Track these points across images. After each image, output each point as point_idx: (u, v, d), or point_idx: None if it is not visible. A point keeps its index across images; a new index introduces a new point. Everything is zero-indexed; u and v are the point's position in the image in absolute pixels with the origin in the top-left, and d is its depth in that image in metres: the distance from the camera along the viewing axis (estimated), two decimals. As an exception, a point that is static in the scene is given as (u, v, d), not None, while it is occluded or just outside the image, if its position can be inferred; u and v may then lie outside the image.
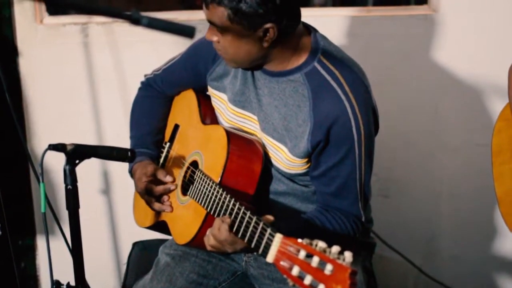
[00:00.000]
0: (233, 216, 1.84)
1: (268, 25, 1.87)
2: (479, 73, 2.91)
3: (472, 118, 2.97)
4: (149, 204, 2.19)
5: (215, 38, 1.94)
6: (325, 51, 1.99)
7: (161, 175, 2.18)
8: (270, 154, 2.05)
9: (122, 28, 2.87)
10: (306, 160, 2.00)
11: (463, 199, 3.06)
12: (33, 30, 2.89)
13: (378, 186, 2.97)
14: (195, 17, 2.82)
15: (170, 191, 2.17)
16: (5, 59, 2.87)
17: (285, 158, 2.01)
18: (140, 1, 4.29)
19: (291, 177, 2.06)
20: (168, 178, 2.17)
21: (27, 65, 2.92)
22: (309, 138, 1.95)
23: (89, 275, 1.98)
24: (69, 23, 2.90)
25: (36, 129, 2.97)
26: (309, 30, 2.03)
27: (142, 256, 2.52)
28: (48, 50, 2.90)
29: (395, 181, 3.05)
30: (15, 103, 2.74)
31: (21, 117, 2.92)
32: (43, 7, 2.89)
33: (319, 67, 1.97)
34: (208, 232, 1.90)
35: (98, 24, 2.88)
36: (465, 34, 2.90)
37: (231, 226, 1.82)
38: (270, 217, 1.79)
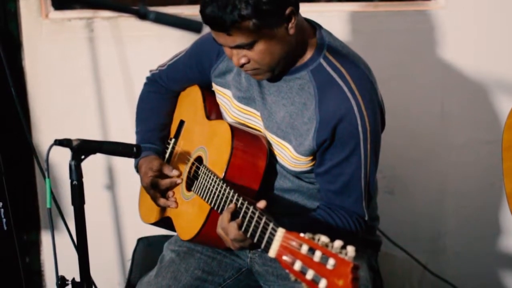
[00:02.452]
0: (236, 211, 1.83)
1: (288, 10, 1.85)
2: (486, 70, 2.90)
3: (478, 115, 2.96)
4: (154, 199, 2.19)
5: (244, 60, 1.89)
6: (331, 47, 1.98)
7: (167, 170, 2.17)
8: (275, 152, 2.04)
9: (127, 23, 2.86)
10: (311, 158, 1.99)
11: (468, 196, 3.05)
12: (38, 24, 2.88)
13: (384, 183, 2.96)
14: (201, 12, 2.81)
15: (176, 184, 2.17)
16: (10, 54, 2.87)
17: (290, 156, 2.00)
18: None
19: (296, 174, 2.05)
20: (174, 172, 2.16)
21: (32, 60, 2.91)
22: (315, 136, 1.94)
23: (94, 271, 1.98)
24: (75, 18, 2.89)
25: (41, 124, 2.96)
26: (314, 26, 2.02)
27: (147, 252, 2.52)
28: (53, 44, 2.90)
29: (400, 178, 3.04)
30: (20, 98, 2.73)
31: (26, 112, 2.92)
32: (48, 1, 2.89)
33: (324, 64, 1.96)
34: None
35: (104, 19, 2.87)
36: (472, 31, 2.89)
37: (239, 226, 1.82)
38: (262, 202, 1.79)
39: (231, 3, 1.78)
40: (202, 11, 1.84)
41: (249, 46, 1.86)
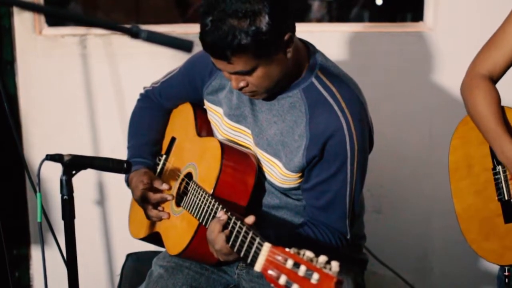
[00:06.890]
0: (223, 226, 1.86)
1: (287, 36, 1.88)
2: (473, 91, 2.92)
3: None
4: (146, 212, 2.20)
5: (243, 84, 1.92)
6: (323, 67, 2.01)
7: (157, 183, 2.18)
8: (264, 169, 2.07)
9: (120, 40, 2.89)
10: (300, 174, 2.01)
11: (455, 216, 3.06)
12: (32, 40, 2.91)
13: (371, 202, 2.98)
14: (192, 30, 2.84)
15: (166, 200, 2.18)
16: (3, 69, 2.89)
17: (279, 173, 2.03)
18: (138, 13, 4.31)
19: (284, 191, 2.08)
20: (165, 186, 2.17)
21: (25, 75, 2.93)
22: (305, 153, 1.97)
23: (83, 286, 1.99)
24: (68, 35, 2.92)
25: (33, 139, 2.98)
26: (307, 46, 2.05)
27: (136, 268, 2.52)
28: (47, 60, 2.92)
29: (388, 198, 3.05)
30: (12, 112, 2.75)
31: (18, 127, 2.93)
32: (42, 18, 2.91)
33: (316, 83, 1.99)
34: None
35: (97, 36, 2.90)
36: (460, 53, 2.91)
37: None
38: (250, 218, 1.82)
39: (231, 33, 1.80)
40: (202, 39, 1.86)
41: (249, 72, 1.88)
